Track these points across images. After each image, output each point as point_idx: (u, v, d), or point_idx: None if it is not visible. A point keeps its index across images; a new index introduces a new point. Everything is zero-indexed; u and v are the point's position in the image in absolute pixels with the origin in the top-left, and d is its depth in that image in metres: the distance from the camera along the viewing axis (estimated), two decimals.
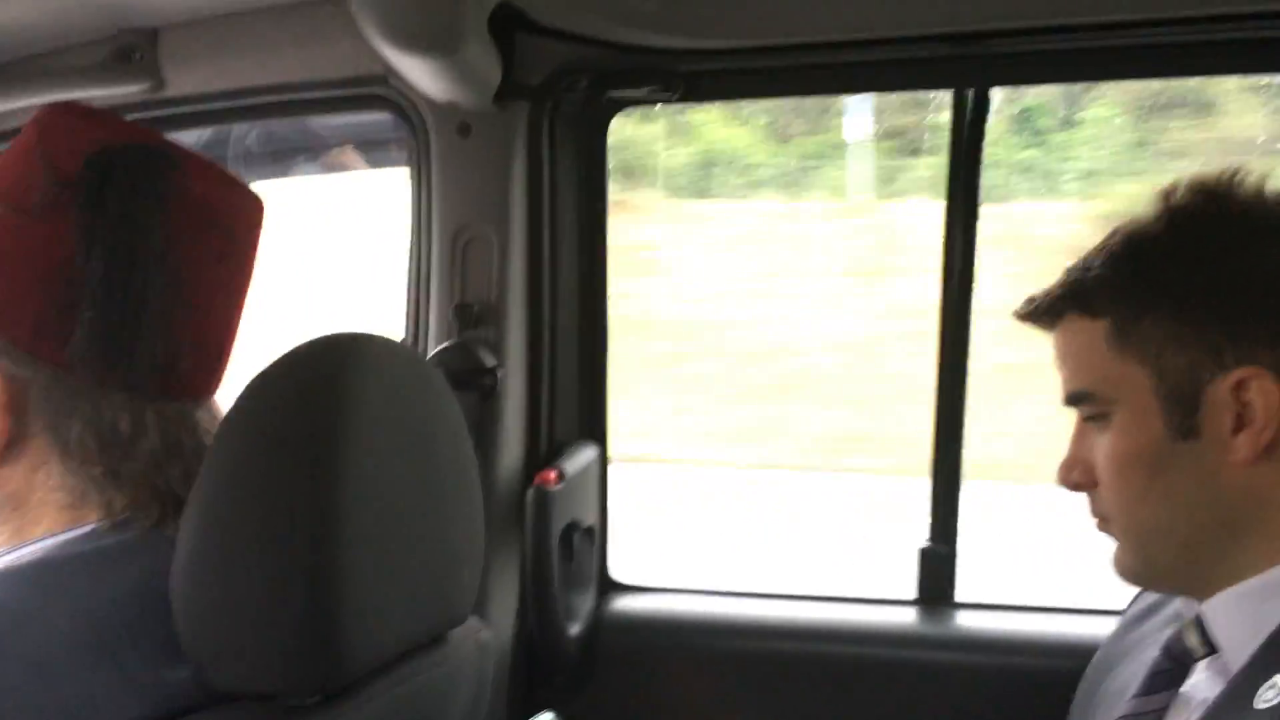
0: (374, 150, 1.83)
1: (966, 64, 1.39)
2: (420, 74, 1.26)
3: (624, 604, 1.65)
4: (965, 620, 1.57)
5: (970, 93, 1.43)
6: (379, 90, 1.36)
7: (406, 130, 1.48)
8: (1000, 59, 1.39)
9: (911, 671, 1.51)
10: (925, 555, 1.58)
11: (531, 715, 1.18)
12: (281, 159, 1.75)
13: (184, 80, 1.30)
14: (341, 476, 0.79)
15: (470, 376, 1.42)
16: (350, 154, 1.84)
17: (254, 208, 0.98)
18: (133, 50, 1.27)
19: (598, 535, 1.68)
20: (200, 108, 1.36)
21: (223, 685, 0.79)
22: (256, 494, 0.78)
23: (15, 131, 1.37)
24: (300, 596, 0.77)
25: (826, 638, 1.57)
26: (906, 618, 1.58)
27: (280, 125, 1.60)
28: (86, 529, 0.88)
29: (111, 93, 1.28)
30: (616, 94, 1.49)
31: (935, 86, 1.53)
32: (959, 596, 1.60)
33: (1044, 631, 1.54)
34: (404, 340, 1.52)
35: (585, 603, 1.58)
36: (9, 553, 0.89)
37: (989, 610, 1.58)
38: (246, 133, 1.60)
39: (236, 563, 0.77)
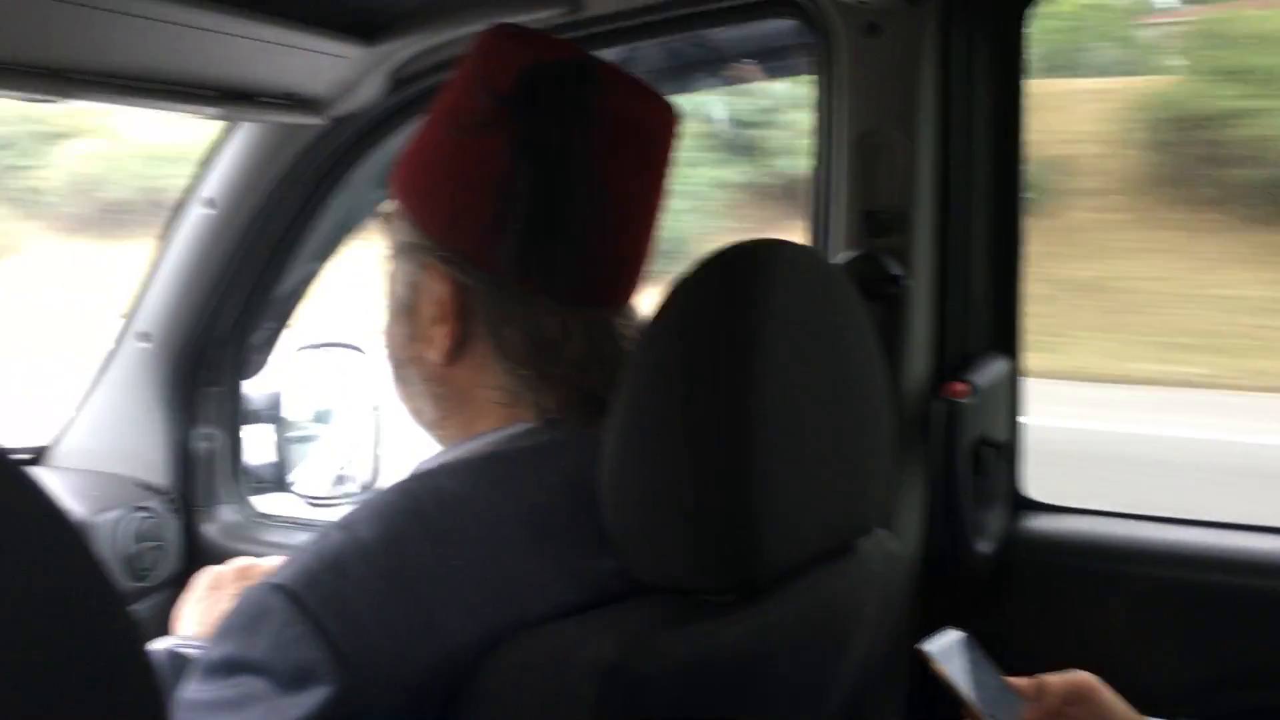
0: (773, 60, 1.82)
1: None
2: None
3: (1038, 524, 1.57)
4: None
5: None
6: None
7: (812, 34, 1.45)
8: None
9: None
10: None
11: (939, 631, 1.15)
12: (684, 74, 1.78)
13: (600, 1, 1.34)
14: (758, 380, 0.79)
15: (877, 285, 1.39)
16: (749, 65, 1.84)
17: (671, 119, 1.00)
18: None
19: (1009, 452, 1.60)
20: (614, 26, 1.40)
21: (646, 578, 0.83)
22: (677, 396, 0.80)
23: (455, 60, 1.49)
24: (720, 497, 0.79)
25: (1268, 571, 1.41)
26: None
27: (682, 41, 1.62)
28: (524, 427, 0.95)
29: (535, 17, 1.35)
30: None
31: None
32: None
33: None
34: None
35: (996, 521, 1.52)
36: (460, 445, 0.98)
37: None
38: (651, 50, 1.64)
39: (659, 463, 0.80)
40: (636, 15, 1.35)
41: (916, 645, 1.12)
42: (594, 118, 0.94)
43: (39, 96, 1.04)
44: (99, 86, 1.14)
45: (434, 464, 0.98)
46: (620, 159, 0.96)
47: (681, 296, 0.84)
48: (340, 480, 2.14)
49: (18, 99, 1.06)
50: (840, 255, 1.43)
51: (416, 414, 1.05)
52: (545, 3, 1.32)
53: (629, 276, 1.00)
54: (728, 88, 1.85)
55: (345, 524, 0.84)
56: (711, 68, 1.80)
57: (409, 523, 0.84)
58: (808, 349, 0.86)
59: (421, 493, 0.88)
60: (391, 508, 0.86)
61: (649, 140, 0.99)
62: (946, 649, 1.12)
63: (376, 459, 1.98)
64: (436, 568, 0.81)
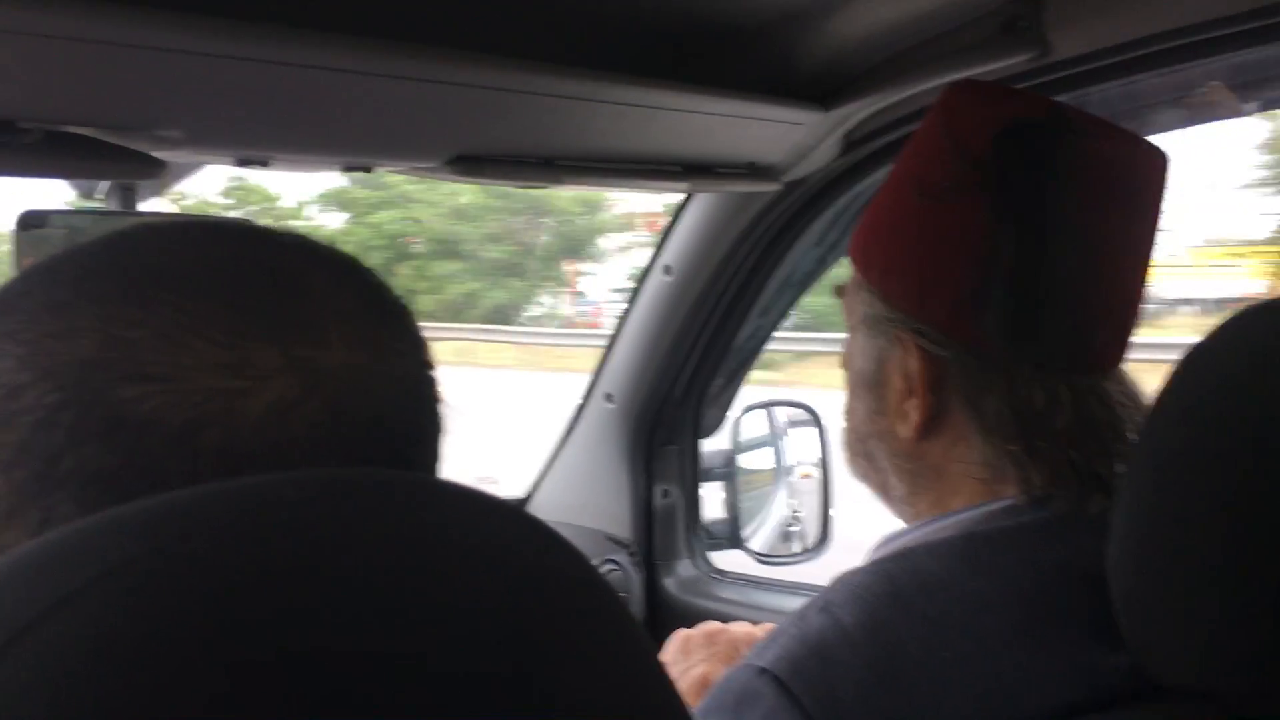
0: (1254, 89, 1.62)
1: None
2: None
3: None
4: None
5: None
6: None
7: None
8: None
9: None
10: None
11: None
12: (1139, 114, 1.63)
13: (1069, 43, 1.25)
14: None
15: None
16: (1223, 93, 1.66)
17: (1159, 164, 0.93)
18: (1016, 20, 1.26)
19: None
20: (1084, 68, 1.30)
21: (1165, 679, 0.73)
22: (1198, 483, 0.70)
23: (911, 116, 1.46)
24: (1256, 601, 0.68)
25: None
26: None
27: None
28: (1004, 503, 0.89)
29: (997, 66, 1.28)
30: None
31: None
32: None
33: None
34: None
35: None
36: (931, 523, 0.94)
37: None
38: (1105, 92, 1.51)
39: (1178, 555, 0.71)
40: (1115, 53, 1.24)
41: None
42: (1079, 172, 0.88)
43: (533, 184, 1.14)
44: (583, 171, 1.22)
45: (905, 541, 0.95)
46: (1109, 213, 0.90)
47: (1199, 363, 0.74)
48: (786, 537, 2.16)
49: (516, 187, 1.16)
50: None
51: (881, 489, 1.02)
52: (1008, 51, 1.26)
53: (1119, 337, 0.93)
54: (1195, 126, 1.67)
55: (824, 605, 0.83)
56: (1171, 102, 1.64)
57: (891, 608, 0.81)
58: None
59: (900, 575, 0.85)
60: (871, 591, 0.83)
61: (1138, 190, 0.92)
62: None
63: (825, 519, 1.97)
64: (924, 658, 0.77)
